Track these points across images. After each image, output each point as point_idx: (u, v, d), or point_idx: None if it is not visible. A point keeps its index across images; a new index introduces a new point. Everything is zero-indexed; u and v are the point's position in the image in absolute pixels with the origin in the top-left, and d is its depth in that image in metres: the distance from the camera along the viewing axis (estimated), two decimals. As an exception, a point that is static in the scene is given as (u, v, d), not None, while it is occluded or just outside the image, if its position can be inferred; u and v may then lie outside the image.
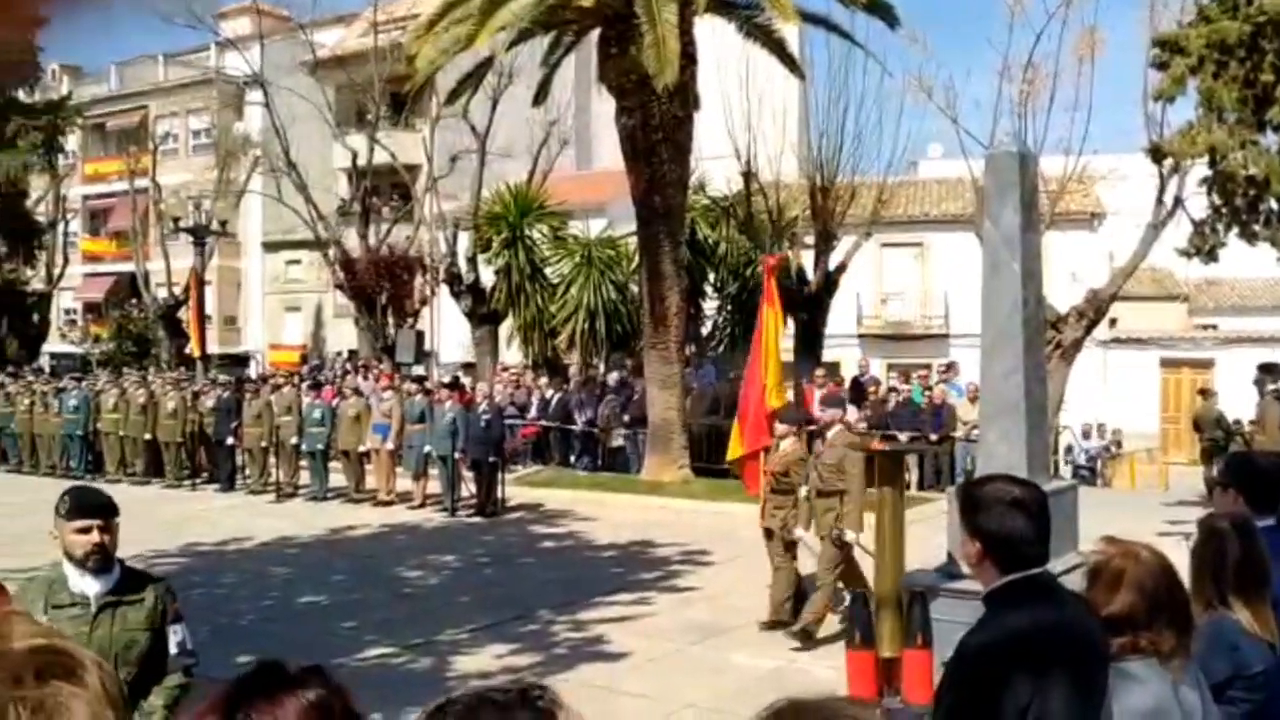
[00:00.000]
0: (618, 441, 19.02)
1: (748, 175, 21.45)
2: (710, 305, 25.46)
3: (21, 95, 30.01)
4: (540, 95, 21.17)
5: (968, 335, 22.74)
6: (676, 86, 16.13)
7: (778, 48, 19.65)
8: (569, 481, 17.83)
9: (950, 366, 21.10)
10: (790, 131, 22.62)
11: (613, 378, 20.43)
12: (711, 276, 24.88)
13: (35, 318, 31.36)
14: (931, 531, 8.43)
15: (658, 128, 17.20)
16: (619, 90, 17.40)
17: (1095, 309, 18.98)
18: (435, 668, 7.91)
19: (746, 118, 21.11)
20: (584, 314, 24.18)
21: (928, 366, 21.29)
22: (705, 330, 25.16)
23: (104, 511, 3.67)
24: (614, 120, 17.91)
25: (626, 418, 18.88)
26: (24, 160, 28.88)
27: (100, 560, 3.64)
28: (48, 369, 28.20)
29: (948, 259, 26.71)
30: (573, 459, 19.55)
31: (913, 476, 16.45)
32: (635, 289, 22.17)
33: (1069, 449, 22.84)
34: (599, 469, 18.87)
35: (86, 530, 3.62)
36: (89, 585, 3.66)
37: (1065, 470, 20.67)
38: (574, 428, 19.61)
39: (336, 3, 40.52)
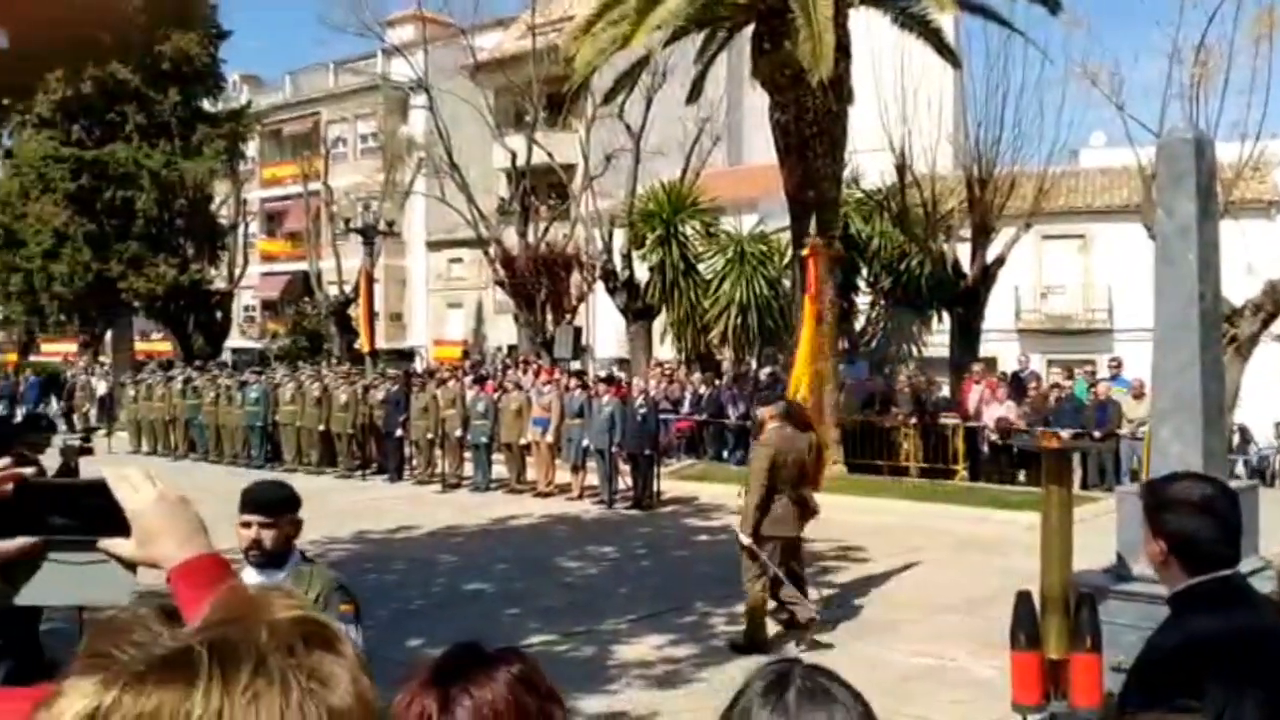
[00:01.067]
0: (770, 436, 18.99)
1: (902, 168, 21.12)
2: (863, 300, 25.19)
3: (206, 105, 31.94)
4: (694, 93, 21.34)
5: (1132, 329, 21.92)
6: (831, 80, 16.04)
7: (934, 37, 19.31)
8: (722, 476, 17.91)
9: (1119, 362, 20.32)
10: (946, 122, 22.15)
11: (764, 373, 20.42)
12: (864, 271, 24.61)
13: (218, 315, 33.30)
14: (1096, 531, 8.21)
15: (812, 122, 17.14)
16: (773, 85, 17.41)
17: (1273, 302, 17.98)
18: (597, 656, 8.11)
19: (901, 109, 20.79)
20: (736, 309, 24.28)
21: (1089, 361, 20.50)
22: (858, 325, 24.91)
23: (264, 509, 3.73)
24: (767, 116, 17.92)
25: (779, 412, 18.84)
26: (209, 167, 30.74)
27: (258, 556, 3.70)
28: (229, 363, 29.92)
29: (1111, 251, 25.70)
30: (725, 454, 19.66)
31: (1076, 475, 15.94)
32: (787, 284, 22.13)
33: (1243, 446, 21.69)
34: (751, 464, 18.89)
35: (247, 525, 3.72)
36: (250, 578, 3.72)
37: (1240, 469, 19.68)
38: (727, 422, 19.71)
39: (496, 6, 41.75)
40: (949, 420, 18.01)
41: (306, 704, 0.75)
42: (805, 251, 15.07)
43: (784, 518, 8.42)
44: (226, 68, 33.54)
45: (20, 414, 22.98)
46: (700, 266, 25.63)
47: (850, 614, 9.37)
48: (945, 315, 22.03)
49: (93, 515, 1.40)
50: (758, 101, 19.72)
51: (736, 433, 19.49)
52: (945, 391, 19.58)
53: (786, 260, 22.25)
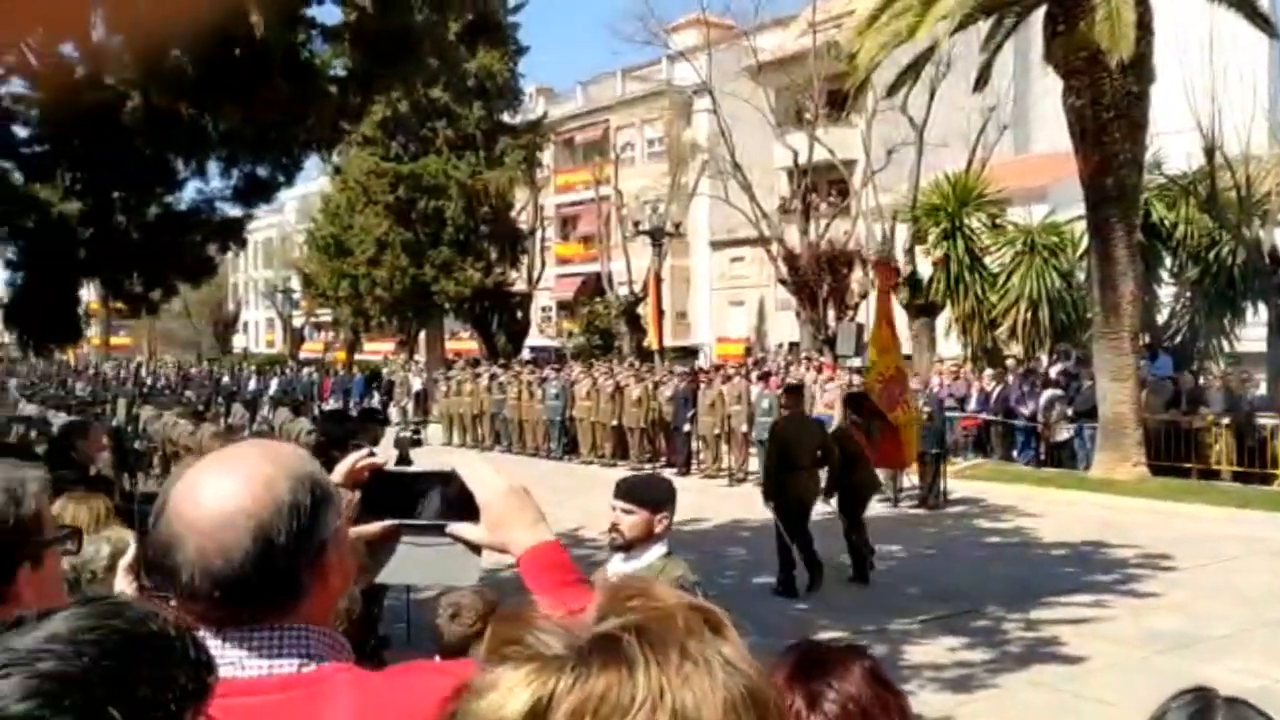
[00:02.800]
0: (1063, 436, 18.37)
1: (1210, 150, 19.75)
2: (1166, 292, 23.68)
3: (506, 117, 34.29)
4: (980, 81, 20.83)
5: None
6: (1131, 59, 15.35)
7: (1246, 5, 17.96)
8: (1011, 476, 17.54)
9: None
10: (1261, 98, 20.51)
11: (1056, 369, 19.71)
12: (1168, 261, 23.13)
13: (519, 315, 35.70)
14: None
15: (1109, 105, 16.43)
16: (1067, 69, 16.81)
17: None
18: (888, 656, 8.14)
19: (1210, 86, 19.45)
20: (1025, 303, 23.48)
21: None
22: (1161, 319, 23.46)
23: (623, 496, 3.97)
24: (1059, 101, 17.31)
25: (1071, 411, 18.19)
26: (510, 176, 33.02)
27: (617, 540, 3.90)
28: (530, 361, 31.92)
29: None
30: (1014, 453, 19.14)
31: None
32: (1081, 276, 21.21)
33: None
34: (1042, 464, 18.35)
35: (613, 509, 3.96)
36: (612, 564, 4.03)
37: None
38: (1016, 421, 19.18)
39: (777, 6, 42.10)
40: (1267, 420, 16.75)
41: (730, 684, 0.77)
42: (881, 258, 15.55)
43: (793, 486, 10.42)
44: (524, 81, 35.87)
45: (351, 408, 25.49)
46: (987, 260, 24.94)
47: (1156, 625, 9.02)
48: (1261, 307, 20.46)
49: (443, 502, 1.53)
50: (1047, 87, 19.04)
51: (1027, 431, 18.94)
52: (1262, 389, 18.22)
53: (1080, 251, 21.33)
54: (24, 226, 9.37)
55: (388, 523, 1.50)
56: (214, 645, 1.24)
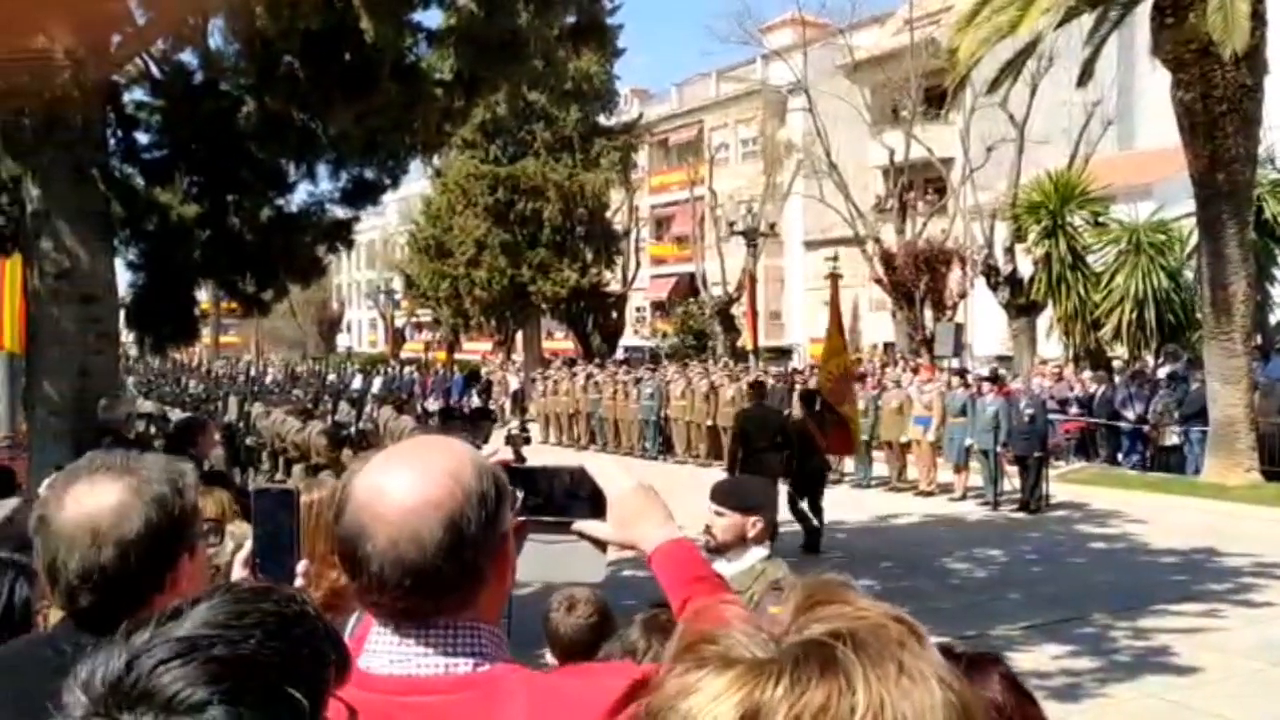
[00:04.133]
0: (1171, 440, 17.86)
1: (1332, 143, 19.03)
2: (1279, 291, 22.86)
3: (602, 120, 34.61)
4: (1084, 76, 20.34)
5: None
6: (1245, 51, 14.88)
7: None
8: (1117, 480, 17.11)
9: None
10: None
11: (1164, 371, 19.17)
12: (1281, 259, 22.32)
13: (614, 315, 35.99)
14: None
15: (1221, 99, 15.94)
16: (1176, 62, 16.35)
17: None
18: None
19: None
20: (1131, 303, 22.86)
21: None
22: (1274, 319, 22.64)
23: (716, 498, 3.97)
24: (1168, 95, 16.85)
25: (1179, 414, 17.67)
26: (605, 177, 33.35)
27: (710, 544, 3.85)
28: (625, 360, 32.12)
29: None
30: (1120, 457, 18.66)
31: None
32: (1189, 275, 20.58)
33: None
34: (1149, 468, 17.86)
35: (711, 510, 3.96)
36: (720, 565, 3.91)
37: None
38: (1121, 424, 18.70)
39: (873, 3, 41.66)
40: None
41: (948, 698, 0.74)
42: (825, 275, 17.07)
43: (753, 465, 11.74)
44: (619, 84, 36.12)
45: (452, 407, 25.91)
46: (1090, 258, 24.34)
47: (1272, 635, 8.66)
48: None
49: (570, 499, 1.54)
50: (1152, 81, 18.53)
51: (1132, 435, 18.45)
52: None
53: (1189, 249, 20.71)
54: (145, 229, 9.76)
55: (518, 519, 1.48)
56: (391, 642, 1.30)
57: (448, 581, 1.28)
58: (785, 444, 12.33)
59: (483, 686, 1.28)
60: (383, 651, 1.31)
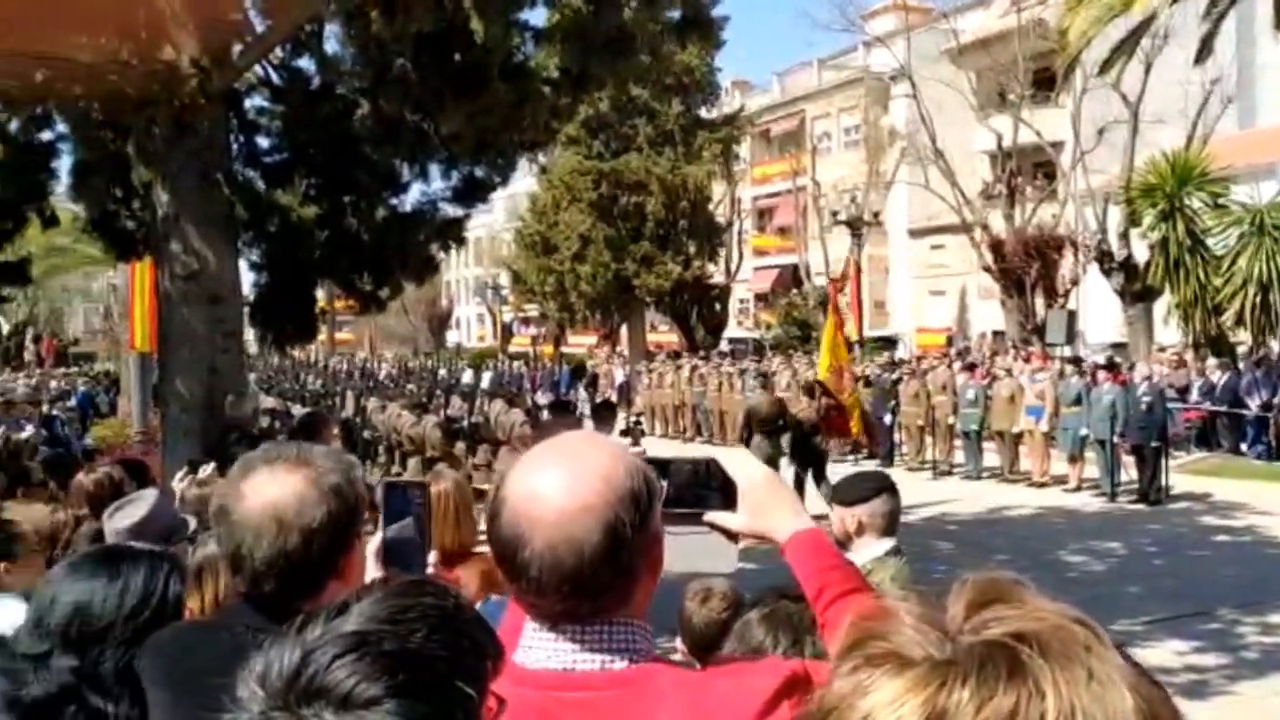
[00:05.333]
0: (1299, 429, 17.18)
1: None
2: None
3: (704, 112, 34.67)
4: (1202, 53, 19.63)
5: None
6: (1375, 25, 14.21)
7: None
8: (1241, 471, 16.53)
9: None
10: None
11: (1293, 358, 18.39)
12: None
13: (717, 307, 36.05)
14: None
15: (1351, 74, 15.25)
16: (1300, 37, 15.71)
17: None
18: None
19: None
20: (1255, 287, 21.95)
21: None
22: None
23: (827, 493, 4.19)
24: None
25: (1309, 403, 16.99)
26: (707, 170, 33.44)
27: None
28: (729, 352, 32.12)
29: None
30: (1244, 446, 18.01)
31: None
32: (1320, 257, 19.70)
33: None
34: (1275, 458, 17.20)
35: None
36: None
37: None
38: (1245, 412, 18.04)
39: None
40: None
41: (1140, 705, 0.71)
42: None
43: (759, 448, 13.53)
44: (720, 75, 36.12)
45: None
46: (1209, 241, 23.43)
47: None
48: None
49: (702, 490, 1.54)
50: (1277, 56, 17.76)
51: (1257, 423, 17.78)
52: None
53: (1319, 230, 19.86)
54: (267, 231, 10.16)
55: None
56: (548, 639, 1.34)
57: (605, 584, 1.29)
58: (785, 427, 14.07)
59: (637, 683, 1.29)
60: (539, 647, 1.33)
